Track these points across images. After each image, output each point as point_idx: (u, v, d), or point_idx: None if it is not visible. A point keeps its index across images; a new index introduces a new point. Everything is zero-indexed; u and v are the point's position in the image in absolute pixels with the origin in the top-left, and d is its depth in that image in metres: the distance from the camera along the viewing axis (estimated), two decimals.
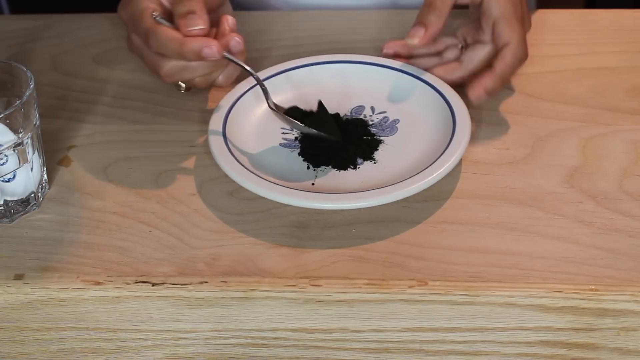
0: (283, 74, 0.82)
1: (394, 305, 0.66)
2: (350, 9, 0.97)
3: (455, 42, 0.81)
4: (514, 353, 0.68)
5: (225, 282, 0.66)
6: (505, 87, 0.83)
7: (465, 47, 0.80)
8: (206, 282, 0.66)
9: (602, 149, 0.76)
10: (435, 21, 0.77)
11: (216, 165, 0.75)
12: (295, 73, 0.82)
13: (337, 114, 0.78)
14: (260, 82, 0.77)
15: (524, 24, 0.79)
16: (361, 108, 0.80)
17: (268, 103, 0.76)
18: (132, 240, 0.70)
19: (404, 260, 0.67)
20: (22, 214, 0.72)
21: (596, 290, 0.64)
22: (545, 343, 0.67)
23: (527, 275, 0.65)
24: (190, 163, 0.77)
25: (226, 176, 0.73)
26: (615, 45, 0.88)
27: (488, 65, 0.78)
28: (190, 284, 0.66)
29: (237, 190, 0.73)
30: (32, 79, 0.70)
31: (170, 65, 0.76)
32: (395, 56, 0.83)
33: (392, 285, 0.65)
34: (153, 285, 0.66)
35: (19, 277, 0.67)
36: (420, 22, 0.78)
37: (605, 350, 0.67)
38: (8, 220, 0.72)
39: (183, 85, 0.80)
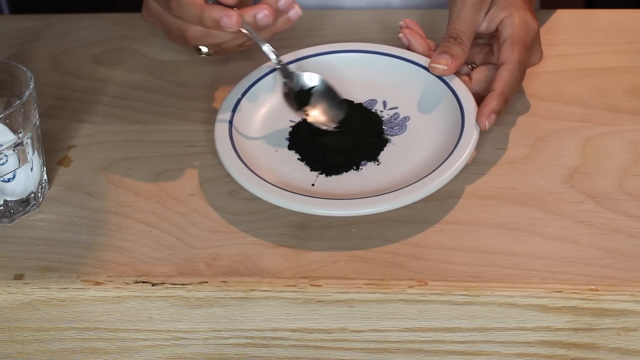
0: (297, 62, 0.81)
1: (394, 305, 0.66)
2: (351, 9, 0.97)
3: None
4: (514, 353, 0.68)
5: (225, 282, 0.66)
6: None
7: (474, 68, 0.80)
8: (206, 282, 0.66)
9: (602, 149, 0.76)
10: (461, 53, 0.77)
11: (216, 165, 0.75)
12: (310, 61, 0.82)
13: (360, 104, 0.78)
14: (281, 65, 0.77)
15: (532, 53, 0.79)
16: (373, 102, 0.79)
17: (284, 82, 0.76)
18: (132, 240, 0.70)
19: (404, 260, 0.67)
20: (22, 214, 0.72)
21: (596, 290, 0.64)
22: (545, 343, 0.67)
23: (527, 275, 0.65)
24: (190, 163, 0.77)
25: (226, 176, 0.73)
26: (615, 45, 0.88)
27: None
28: (190, 284, 0.66)
29: (237, 190, 0.73)
30: (32, 79, 0.70)
31: (195, 29, 0.74)
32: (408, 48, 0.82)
33: (392, 285, 0.65)
34: (153, 285, 0.66)
35: (19, 277, 0.67)
36: (446, 51, 0.77)
37: (605, 350, 0.67)
38: (8, 220, 0.72)
39: (205, 49, 0.78)
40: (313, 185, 0.72)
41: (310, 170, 0.73)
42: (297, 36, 0.91)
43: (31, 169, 0.71)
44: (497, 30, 0.78)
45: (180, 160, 0.77)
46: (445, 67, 0.77)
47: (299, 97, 0.76)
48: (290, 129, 0.77)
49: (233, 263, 0.67)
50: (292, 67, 0.80)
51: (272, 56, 0.76)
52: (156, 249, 0.69)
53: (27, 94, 0.69)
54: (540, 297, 0.65)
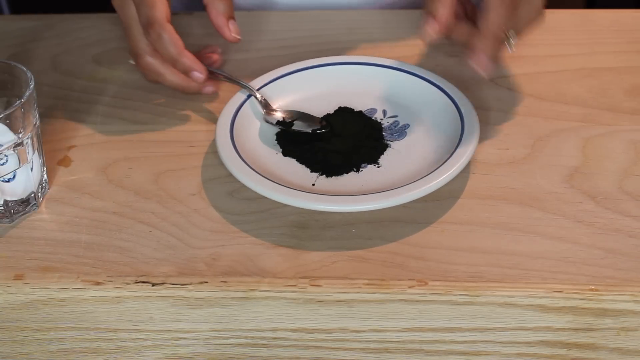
0: (297, 73, 0.82)
1: (394, 305, 0.66)
2: (350, 8, 0.97)
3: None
4: (514, 353, 0.68)
5: (225, 282, 0.66)
6: (505, 87, 0.83)
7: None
8: (206, 282, 0.66)
9: (602, 149, 0.76)
10: (442, 9, 0.74)
11: (216, 165, 0.75)
12: (309, 73, 0.82)
13: (360, 112, 0.79)
14: (253, 93, 0.79)
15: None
16: (373, 111, 0.80)
17: (264, 115, 0.78)
18: (132, 240, 0.70)
19: (404, 260, 0.67)
20: (22, 214, 0.72)
21: (596, 290, 0.64)
22: (545, 343, 0.67)
23: (527, 275, 0.65)
24: (190, 163, 0.77)
25: (226, 176, 0.73)
26: (615, 45, 0.88)
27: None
28: (190, 284, 0.66)
29: (237, 190, 0.73)
30: (32, 79, 0.70)
31: (172, 79, 0.80)
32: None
33: (392, 285, 0.65)
34: (153, 285, 0.66)
35: (19, 277, 0.67)
36: (428, 14, 0.75)
37: (605, 350, 0.67)
38: (8, 220, 0.72)
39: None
40: (314, 185, 0.72)
41: (311, 172, 0.74)
42: (297, 36, 0.91)
43: (31, 169, 0.71)
44: None
45: (180, 160, 0.77)
46: (432, 32, 0.74)
47: (280, 123, 0.78)
48: (276, 137, 0.77)
49: (233, 263, 0.67)
50: (290, 78, 0.82)
51: (255, 94, 0.79)
52: (156, 249, 0.69)
53: (27, 94, 0.69)
54: (540, 297, 0.65)
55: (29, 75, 0.70)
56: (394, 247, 0.68)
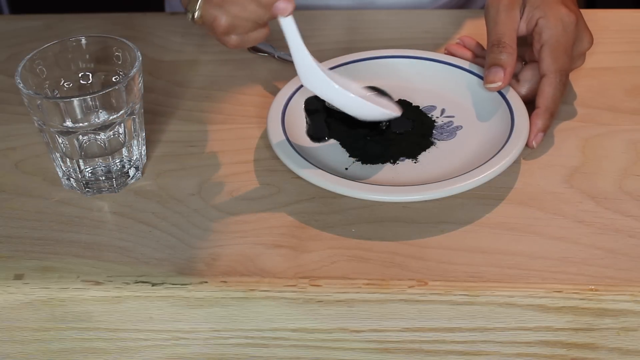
0: (367, 61, 0.83)
1: (393, 305, 0.66)
2: (351, 9, 0.97)
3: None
4: (514, 353, 0.68)
5: (225, 282, 0.66)
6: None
7: (525, 64, 0.80)
8: (206, 282, 0.66)
9: (602, 149, 0.76)
10: (509, 58, 0.76)
11: (216, 165, 0.75)
12: (379, 62, 0.83)
13: (417, 107, 0.79)
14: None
15: (578, 44, 0.78)
16: (432, 108, 0.80)
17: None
18: (132, 240, 0.70)
19: (404, 260, 0.67)
20: (124, 185, 0.74)
21: (596, 290, 0.64)
22: (545, 343, 0.67)
23: (527, 275, 0.65)
24: (190, 163, 0.77)
25: (226, 176, 0.73)
26: (615, 45, 0.88)
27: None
28: (190, 284, 0.66)
29: (237, 190, 0.73)
30: (139, 54, 0.73)
31: None
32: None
33: (392, 285, 0.65)
34: (153, 285, 0.66)
35: (19, 277, 0.67)
36: (494, 63, 0.76)
37: (605, 350, 0.67)
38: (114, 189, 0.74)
39: (196, 14, 0.74)
40: (346, 169, 0.73)
41: (349, 157, 0.75)
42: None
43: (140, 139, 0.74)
44: (534, 31, 0.78)
45: (180, 160, 0.77)
46: (500, 83, 0.76)
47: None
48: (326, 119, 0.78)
49: (233, 263, 0.67)
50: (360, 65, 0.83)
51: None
52: (156, 249, 0.69)
53: (134, 70, 0.71)
54: (540, 297, 0.65)
55: (136, 50, 0.73)
56: (394, 247, 0.68)
